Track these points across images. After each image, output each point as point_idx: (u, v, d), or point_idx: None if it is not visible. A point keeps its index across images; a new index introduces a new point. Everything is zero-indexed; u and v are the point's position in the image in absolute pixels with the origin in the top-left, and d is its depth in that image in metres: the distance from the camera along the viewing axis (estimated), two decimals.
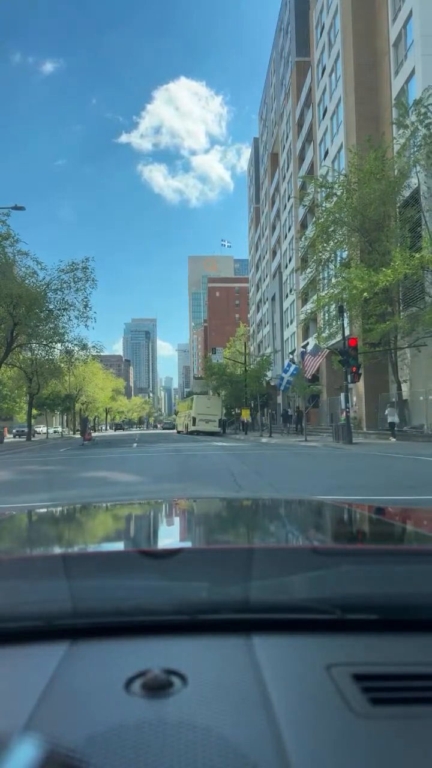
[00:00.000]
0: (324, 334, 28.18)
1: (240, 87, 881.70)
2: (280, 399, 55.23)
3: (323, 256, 27.44)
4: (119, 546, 1.23)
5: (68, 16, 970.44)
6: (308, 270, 30.44)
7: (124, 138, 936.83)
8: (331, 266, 27.30)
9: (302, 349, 37.38)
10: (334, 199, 25.30)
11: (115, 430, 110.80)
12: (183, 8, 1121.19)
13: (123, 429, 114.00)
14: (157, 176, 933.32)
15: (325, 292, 26.12)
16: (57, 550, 1.11)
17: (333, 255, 27.20)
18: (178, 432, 54.39)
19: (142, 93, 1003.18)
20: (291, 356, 46.25)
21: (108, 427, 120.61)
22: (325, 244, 26.75)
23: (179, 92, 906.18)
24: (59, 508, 1.85)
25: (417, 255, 20.16)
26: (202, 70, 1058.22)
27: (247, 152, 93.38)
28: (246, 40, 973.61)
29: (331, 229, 26.01)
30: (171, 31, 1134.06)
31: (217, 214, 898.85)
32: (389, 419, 21.92)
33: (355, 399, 29.96)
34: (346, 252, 27.01)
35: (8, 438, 52.66)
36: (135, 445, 26.21)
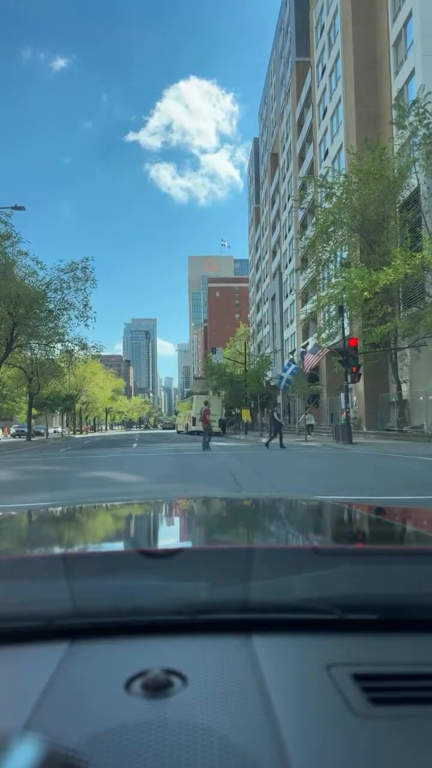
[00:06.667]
0: (324, 335, 28.18)
1: (251, 83, 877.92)
2: (280, 399, 55.28)
3: (323, 257, 27.44)
4: (119, 546, 1.23)
5: (79, 13, 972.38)
6: (308, 270, 30.45)
7: (132, 136, 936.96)
8: (331, 266, 27.31)
9: (302, 349, 37.43)
10: (334, 199, 25.31)
11: (145, 429, 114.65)
12: (194, 5, 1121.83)
13: (148, 427, 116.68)
14: (164, 175, 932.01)
15: (325, 292, 26.13)
16: (57, 550, 1.11)
17: (333, 255, 27.20)
18: (179, 432, 54.39)
19: (151, 92, 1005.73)
20: (291, 356, 46.28)
21: (109, 427, 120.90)
22: (324, 245, 26.75)
23: (189, 91, 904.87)
24: (59, 508, 1.85)
25: (418, 255, 20.16)
26: (212, 69, 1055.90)
27: None
28: (256, 36, 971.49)
29: (331, 229, 26.02)
30: (181, 29, 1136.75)
31: (225, 212, 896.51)
32: (308, 422, 27.43)
33: (355, 399, 29.97)
34: (346, 252, 27.02)
35: (8, 438, 52.75)
36: (135, 445, 26.22)
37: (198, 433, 42.16)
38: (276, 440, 20.09)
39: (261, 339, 74.55)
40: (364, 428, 29.16)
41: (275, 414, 20.96)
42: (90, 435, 63.18)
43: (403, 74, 27.63)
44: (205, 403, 24.77)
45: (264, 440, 27.41)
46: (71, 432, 66.09)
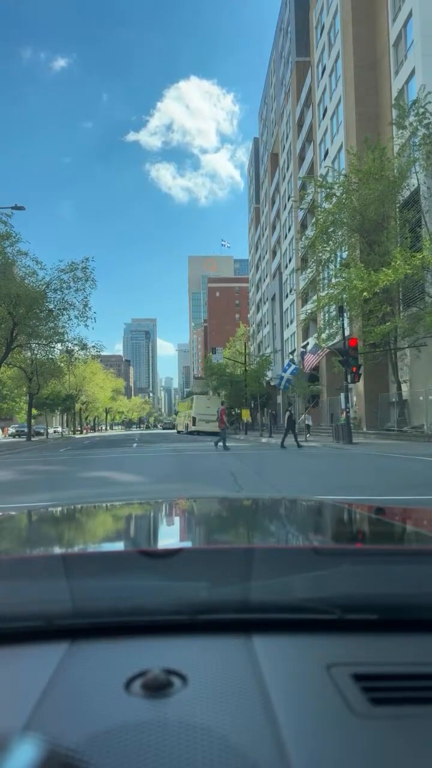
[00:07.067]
0: (324, 335, 28.19)
1: (251, 83, 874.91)
2: (279, 399, 55.28)
3: (323, 257, 27.45)
4: (119, 546, 1.23)
5: (79, 13, 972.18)
6: (308, 270, 30.45)
7: (132, 136, 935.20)
8: (331, 266, 27.31)
9: (302, 349, 37.44)
10: (334, 199, 25.30)
11: (146, 429, 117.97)
12: (194, 5, 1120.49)
13: (148, 427, 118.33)
14: (165, 175, 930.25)
15: (325, 292, 26.13)
16: (57, 550, 1.11)
17: (333, 255, 27.21)
18: (178, 432, 54.40)
19: (152, 91, 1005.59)
20: (291, 356, 46.29)
21: (109, 427, 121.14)
22: (324, 245, 26.76)
23: (190, 91, 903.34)
24: (59, 508, 1.85)
25: (418, 255, 20.16)
26: (212, 69, 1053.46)
27: None
28: (256, 36, 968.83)
29: (331, 229, 26.01)
30: (181, 29, 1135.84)
31: (225, 212, 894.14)
32: (306, 422, 27.67)
33: (355, 399, 29.98)
34: (346, 252, 27.02)
35: (7, 438, 52.74)
36: (135, 445, 26.21)
37: (198, 432, 42.26)
38: (291, 439, 20.25)
39: (261, 339, 74.55)
40: (364, 428, 29.16)
41: (289, 413, 21.07)
42: (90, 435, 63.18)
43: (403, 74, 27.62)
44: (222, 404, 24.61)
45: (264, 440, 27.49)
46: (71, 432, 66.08)
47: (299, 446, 19.63)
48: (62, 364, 39.69)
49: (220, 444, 19.51)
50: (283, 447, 19.39)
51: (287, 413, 21.35)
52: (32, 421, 45.45)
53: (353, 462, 13.19)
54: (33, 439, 41.65)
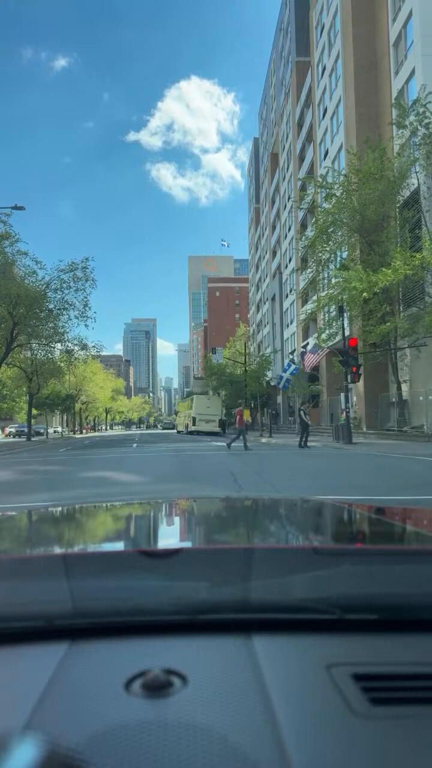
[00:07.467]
0: (324, 335, 28.19)
1: (252, 83, 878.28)
2: (280, 399, 55.28)
3: (323, 257, 27.44)
4: (119, 546, 1.23)
5: (79, 13, 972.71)
6: (308, 270, 30.44)
7: (133, 136, 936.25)
8: (331, 266, 27.30)
9: (302, 349, 37.45)
10: (334, 200, 25.30)
11: (146, 429, 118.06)
12: (194, 5, 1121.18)
13: (149, 427, 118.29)
14: (165, 175, 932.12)
15: (325, 292, 26.13)
16: (57, 550, 1.11)
17: (333, 255, 27.20)
18: (179, 432, 54.39)
19: (152, 91, 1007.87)
20: (291, 356, 46.29)
21: (109, 427, 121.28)
22: (324, 245, 26.76)
23: (190, 91, 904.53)
24: (59, 508, 1.85)
25: (417, 255, 20.16)
26: (213, 68, 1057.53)
27: None
28: (256, 36, 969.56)
29: (331, 230, 26.01)
30: (181, 29, 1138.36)
31: (225, 212, 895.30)
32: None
33: (355, 399, 29.97)
34: (346, 252, 27.02)
35: (8, 438, 52.71)
36: (135, 445, 26.20)
37: (198, 432, 42.30)
38: (303, 440, 20.25)
39: (261, 339, 74.54)
40: (364, 428, 29.16)
41: (302, 413, 20.97)
42: (90, 435, 63.15)
43: (403, 74, 27.62)
44: (238, 404, 24.35)
45: (264, 440, 27.50)
46: (71, 432, 66.07)
47: (301, 446, 19.65)
48: (62, 364, 39.68)
49: (241, 443, 19.36)
50: (307, 447, 19.47)
51: (300, 411, 21.26)
52: (32, 421, 45.41)
53: (353, 462, 13.19)
54: (33, 439, 41.63)
